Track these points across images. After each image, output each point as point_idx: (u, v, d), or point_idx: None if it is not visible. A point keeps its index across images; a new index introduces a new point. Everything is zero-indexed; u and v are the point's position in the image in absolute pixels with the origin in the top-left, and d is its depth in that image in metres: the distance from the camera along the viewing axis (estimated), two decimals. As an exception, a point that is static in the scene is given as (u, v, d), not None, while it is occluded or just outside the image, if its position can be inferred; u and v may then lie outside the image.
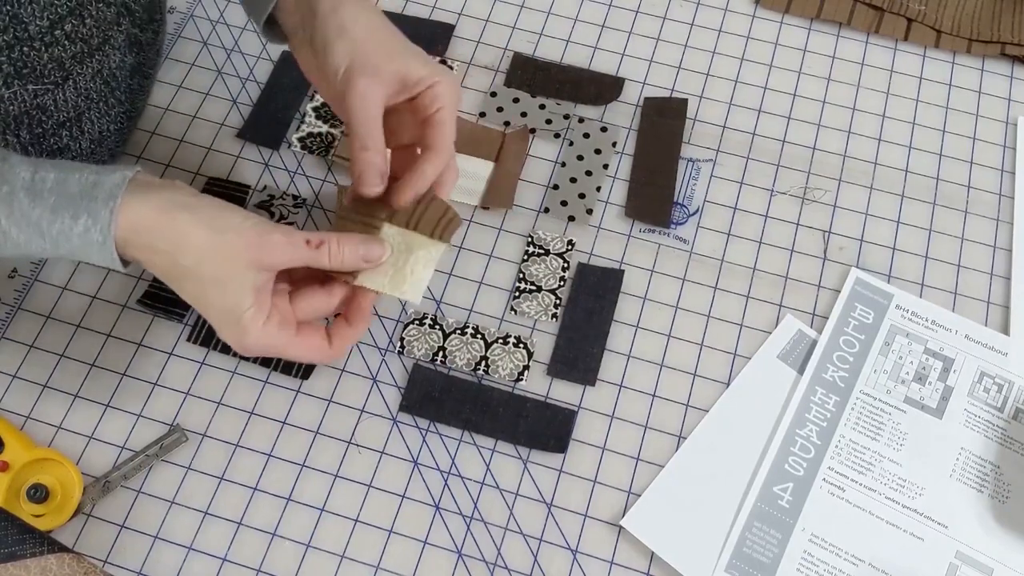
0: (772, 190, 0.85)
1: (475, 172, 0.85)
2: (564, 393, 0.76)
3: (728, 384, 0.76)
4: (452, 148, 0.64)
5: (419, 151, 0.65)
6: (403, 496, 0.72)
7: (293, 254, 0.59)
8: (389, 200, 0.63)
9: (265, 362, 0.76)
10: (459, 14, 0.94)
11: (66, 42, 0.69)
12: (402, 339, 0.77)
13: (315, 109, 0.87)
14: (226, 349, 0.76)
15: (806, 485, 0.72)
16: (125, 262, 0.59)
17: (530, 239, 0.82)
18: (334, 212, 0.82)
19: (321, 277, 0.63)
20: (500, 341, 0.77)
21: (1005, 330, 0.79)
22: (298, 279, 0.64)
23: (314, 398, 0.75)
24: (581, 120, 0.88)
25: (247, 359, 0.76)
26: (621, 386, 0.76)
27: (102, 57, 0.74)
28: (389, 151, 0.64)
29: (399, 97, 0.63)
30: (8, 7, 0.64)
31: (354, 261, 0.61)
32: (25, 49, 0.66)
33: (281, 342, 0.60)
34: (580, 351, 0.77)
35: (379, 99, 0.61)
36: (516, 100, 0.89)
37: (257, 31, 0.65)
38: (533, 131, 0.87)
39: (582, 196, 0.84)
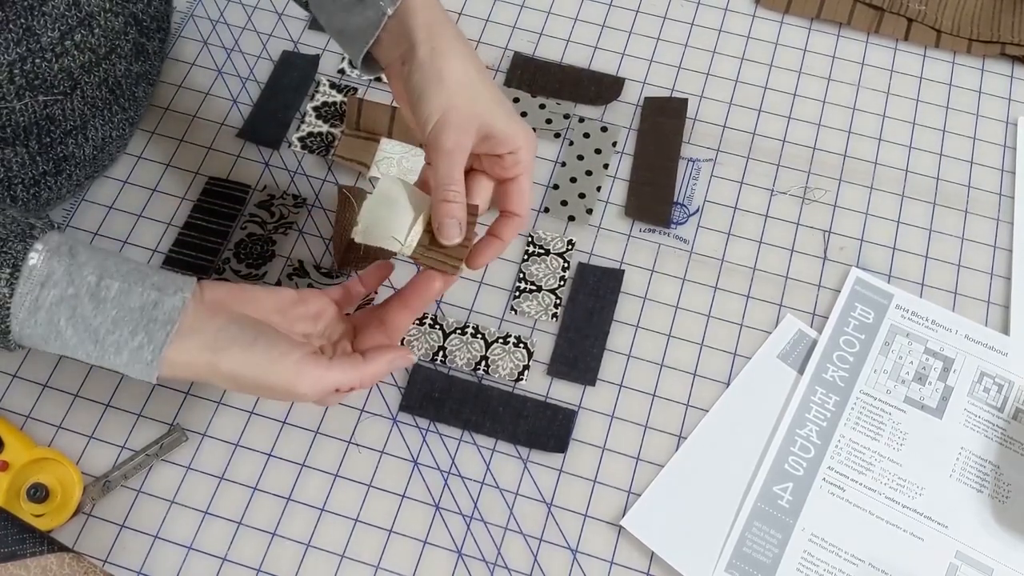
0: (772, 190, 0.85)
1: (475, 172, 0.85)
2: (564, 393, 0.76)
3: (728, 384, 0.76)
4: (529, 213, 0.68)
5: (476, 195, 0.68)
6: (403, 496, 0.72)
7: (327, 293, 0.66)
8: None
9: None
10: (459, 14, 0.94)
11: (75, 52, 0.70)
12: (402, 339, 0.77)
13: (315, 109, 0.87)
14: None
15: (806, 485, 0.72)
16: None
17: (530, 239, 0.82)
18: (334, 212, 0.82)
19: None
20: (500, 341, 0.77)
21: (1005, 330, 0.79)
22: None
23: (314, 398, 0.75)
24: (581, 120, 0.88)
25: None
26: (621, 386, 0.76)
27: (108, 66, 0.74)
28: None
29: (481, 149, 0.65)
30: (22, 20, 0.65)
31: (374, 283, 0.69)
32: (37, 61, 0.67)
33: (354, 361, 0.62)
34: (580, 351, 0.77)
35: (465, 154, 0.63)
36: (516, 100, 0.89)
37: (356, 65, 0.67)
38: (533, 131, 0.87)
39: (582, 196, 0.84)
